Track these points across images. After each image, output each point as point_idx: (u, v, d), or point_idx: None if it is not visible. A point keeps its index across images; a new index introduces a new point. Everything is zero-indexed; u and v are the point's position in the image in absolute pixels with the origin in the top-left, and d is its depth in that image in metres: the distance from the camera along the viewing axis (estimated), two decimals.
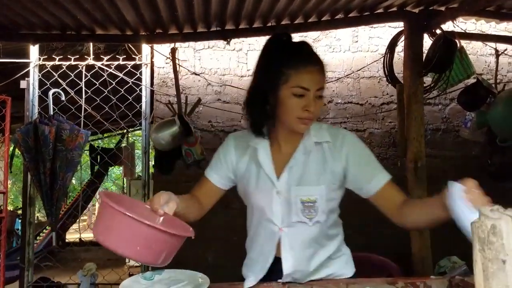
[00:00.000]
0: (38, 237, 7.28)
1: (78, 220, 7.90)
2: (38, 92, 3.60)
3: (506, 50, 3.55)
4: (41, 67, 3.62)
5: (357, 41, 4.06)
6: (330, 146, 1.48)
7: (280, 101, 1.40)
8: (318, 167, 1.47)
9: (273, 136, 1.53)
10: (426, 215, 1.35)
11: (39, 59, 3.60)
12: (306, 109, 1.38)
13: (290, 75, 1.37)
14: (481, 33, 3.98)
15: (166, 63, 3.89)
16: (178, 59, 3.54)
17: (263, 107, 1.45)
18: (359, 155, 1.48)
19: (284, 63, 1.39)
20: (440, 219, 1.31)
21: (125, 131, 7.77)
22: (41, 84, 3.62)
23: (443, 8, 2.77)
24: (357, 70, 3.99)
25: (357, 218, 3.99)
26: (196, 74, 3.92)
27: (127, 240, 1.12)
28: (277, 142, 1.53)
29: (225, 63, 3.99)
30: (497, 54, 3.46)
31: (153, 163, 4.11)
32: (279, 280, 1.49)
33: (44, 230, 6.83)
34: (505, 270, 0.55)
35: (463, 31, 3.32)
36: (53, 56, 3.61)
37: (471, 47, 4.04)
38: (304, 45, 1.46)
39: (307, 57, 1.41)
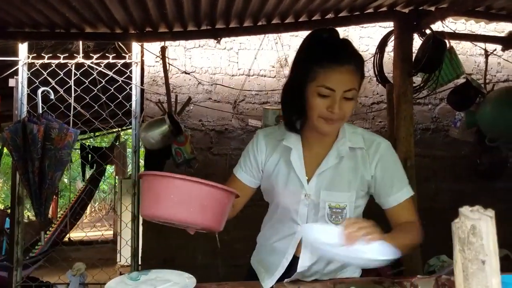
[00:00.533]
0: (39, 243, 7.19)
1: (58, 222, 7.81)
2: (27, 91, 3.56)
3: (495, 50, 3.57)
4: (30, 65, 3.58)
5: None
6: (363, 153, 1.45)
7: (306, 98, 1.36)
8: (349, 173, 1.44)
9: (306, 135, 1.49)
10: None
11: (28, 57, 3.57)
12: (330, 110, 1.32)
13: (318, 73, 1.32)
14: (471, 33, 4.01)
15: (156, 61, 3.87)
16: (168, 58, 3.53)
17: (294, 103, 1.41)
18: (387, 166, 1.45)
19: (313, 60, 1.33)
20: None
21: (117, 129, 7.73)
22: (30, 82, 3.58)
23: (433, 8, 2.78)
24: None
25: None
26: (186, 73, 3.91)
27: (179, 204, 1.10)
28: (308, 142, 1.49)
29: (215, 62, 3.98)
30: (487, 54, 3.49)
31: (143, 162, 4.09)
32: (286, 280, 1.47)
33: (45, 234, 6.75)
34: (485, 270, 0.55)
35: (452, 31, 3.34)
36: (42, 54, 3.58)
37: (461, 47, 4.07)
38: (338, 42, 1.38)
39: (337, 56, 1.32)
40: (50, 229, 6.26)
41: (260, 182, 1.59)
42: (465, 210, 0.59)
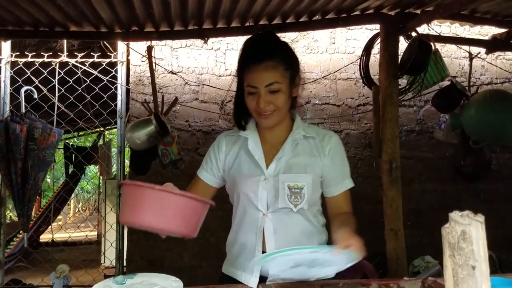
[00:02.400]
0: (14, 239, 7.07)
1: (50, 220, 7.68)
2: (10, 90, 3.51)
3: (479, 53, 3.61)
4: (13, 64, 3.53)
5: (334, 43, 4.08)
6: (316, 142, 1.56)
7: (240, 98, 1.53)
8: (305, 158, 1.54)
9: (260, 130, 1.60)
10: None
11: (11, 55, 3.51)
12: (257, 105, 1.46)
13: (245, 74, 1.48)
14: (455, 36, 4.05)
15: (142, 61, 3.83)
16: (155, 58, 3.50)
17: (238, 104, 1.56)
18: (337, 157, 1.57)
19: (240, 63, 1.51)
20: None
21: (102, 129, 7.65)
22: (13, 81, 3.53)
23: (418, 11, 2.80)
24: (334, 72, 4.01)
25: None
26: (173, 73, 3.88)
27: (160, 214, 1.17)
28: (265, 135, 1.59)
29: (202, 62, 3.96)
30: (471, 57, 3.53)
31: (128, 163, 4.05)
32: (268, 282, 1.47)
33: (18, 235, 6.63)
34: (475, 275, 0.55)
35: (438, 34, 3.38)
36: (26, 52, 3.53)
37: (446, 50, 4.11)
38: (258, 42, 1.52)
39: (252, 55, 1.47)
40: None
41: (224, 182, 1.66)
42: (455, 215, 0.59)
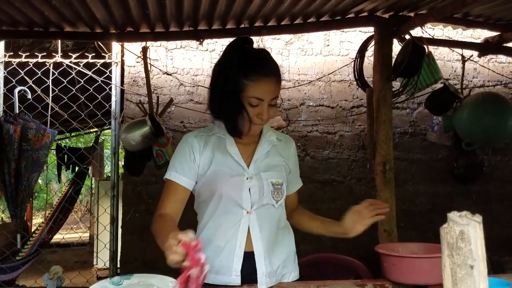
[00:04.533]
0: (28, 242, 6.95)
1: (46, 221, 7.57)
2: (3, 90, 3.49)
3: (472, 56, 3.65)
4: (7, 64, 3.51)
5: (328, 45, 4.10)
6: (282, 145, 1.69)
7: (237, 106, 1.49)
8: (277, 158, 1.65)
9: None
10: (318, 229, 1.72)
11: (5, 55, 3.50)
12: (259, 117, 1.50)
13: (248, 85, 1.46)
14: (448, 39, 4.08)
15: (137, 62, 3.82)
16: (150, 58, 3.50)
17: (232, 110, 1.51)
18: (296, 160, 1.75)
19: (242, 73, 1.46)
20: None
21: (96, 130, 7.61)
22: (6, 81, 3.51)
23: (412, 14, 2.82)
24: (329, 74, 4.02)
25: None
26: (168, 74, 3.87)
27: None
28: (238, 137, 1.60)
29: (197, 63, 3.96)
30: (463, 60, 3.56)
31: (122, 164, 4.04)
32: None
33: (31, 238, 6.54)
34: (473, 275, 0.57)
35: (431, 37, 3.40)
36: (20, 53, 3.51)
37: (439, 53, 4.14)
38: (263, 54, 1.56)
39: (261, 68, 1.49)
40: (39, 228, 6.10)
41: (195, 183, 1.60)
42: (453, 215, 0.60)
